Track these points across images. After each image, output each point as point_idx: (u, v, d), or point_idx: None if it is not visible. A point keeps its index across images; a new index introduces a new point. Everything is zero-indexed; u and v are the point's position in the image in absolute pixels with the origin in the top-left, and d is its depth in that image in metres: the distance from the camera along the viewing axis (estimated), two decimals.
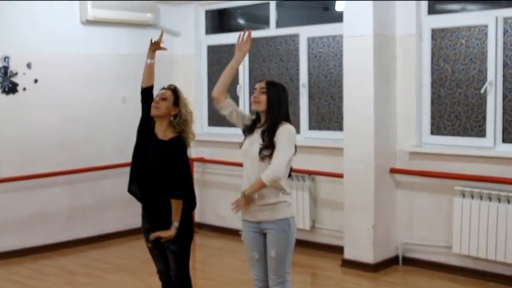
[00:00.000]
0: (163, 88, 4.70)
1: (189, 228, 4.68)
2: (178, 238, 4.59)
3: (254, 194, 4.28)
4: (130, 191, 4.77)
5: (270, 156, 4.24)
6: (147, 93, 4.79)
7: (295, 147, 4.40)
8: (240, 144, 4.48)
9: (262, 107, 4.34)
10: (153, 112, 4.60)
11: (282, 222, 4.33)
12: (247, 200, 4.31)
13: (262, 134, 4.32)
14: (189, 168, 4.69)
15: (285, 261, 4.37)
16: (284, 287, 4.39)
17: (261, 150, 4.26)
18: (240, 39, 4.52)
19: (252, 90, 8.23)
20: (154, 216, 4.61)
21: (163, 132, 4.61)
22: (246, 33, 4.53)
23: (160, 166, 4.51)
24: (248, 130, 4.46)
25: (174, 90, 4.66)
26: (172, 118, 4.63)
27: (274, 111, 4.32)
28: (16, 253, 7.50)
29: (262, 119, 4.39)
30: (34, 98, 7.63)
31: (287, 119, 4.39)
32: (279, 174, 4.22)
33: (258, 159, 4.27)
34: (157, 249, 4.71)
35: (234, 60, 4.56)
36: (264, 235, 4.38)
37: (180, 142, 4.59)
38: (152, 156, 4.56)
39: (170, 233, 4.49)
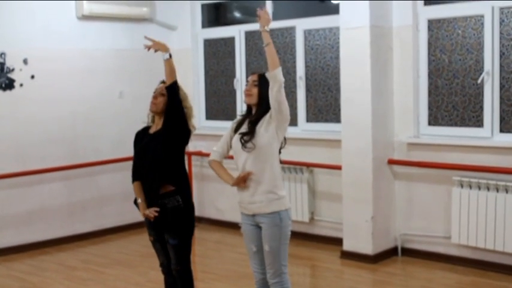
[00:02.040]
0: (163, 82, 4.67)
1: (189, 222, 4.69)
2: (178, 232, 4.60)
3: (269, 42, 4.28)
4: (135, 203, 4.79)
5: (250, 140, 4.26)
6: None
7: (284, 138, 4.41)
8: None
9: (254, 100, 4.36)
10: (152, 109, 4.62)
11: (273, 215, 4.30)
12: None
13: (249, 123, 4.35)
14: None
15: (279, 254, 4.34)
16: (281, 279, 4.36)
17: (242, 136, 4.29)
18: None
19: None
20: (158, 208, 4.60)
21: (156, 126, 4.67)
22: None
23: (162, 149, 4.55)
24: (239, 125, 4.46)
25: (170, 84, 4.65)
26: None
27: (263, 104, 4.31)
28: (15, 249, 7.50)
29: (254, 111, 4.40)
30: (31, 93, 7.62)
31: None
32: (280, 75, 4.18)
33: (244, 151, 4.30)
34: (160, 243, 4.72)
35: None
36: (260, 228, 4.38)
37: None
38: (153, 147, 4.57)
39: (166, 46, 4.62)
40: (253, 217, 4.38)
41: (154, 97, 4.61)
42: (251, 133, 4.27)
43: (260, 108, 4.34)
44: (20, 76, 7.54)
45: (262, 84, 4.33)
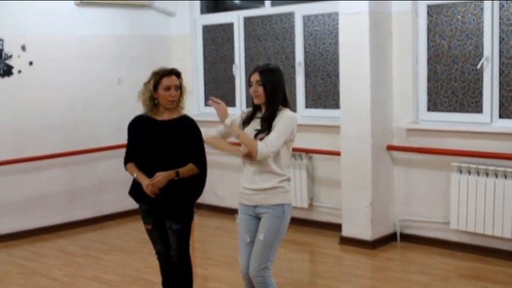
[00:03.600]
0: (171, 72, 4.61)
1: (190, 207, 4.70)
2: (181, 217, 4.61)
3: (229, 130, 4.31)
4: (130, 193, 4.77)
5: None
6: None
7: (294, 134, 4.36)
8: None
9: (263, 99, 4.28)
10: (173, 105, 4.61)
11: (277, 207, 4.28)
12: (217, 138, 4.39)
13: (262, 121, 4.28)
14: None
15: (271, 247, 4.27)
16: (264, 274, 4.25)
17: (256, 134, 4.24)
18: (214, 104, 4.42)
19: (248, 69, 8.27)
20: (158, 197, 4.57)
21: (168, 113, 4.63)
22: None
23: (177, 143, 4.55)
24: (247, 121, 4.40)
25: (179, 75, 4.65)
26: None
27: (273, 100, 4.27)
28: (15, 235, 7.52)
29: (263, 109, 4.33)
30: (29, 80, 7.61)
31: (285, 101, 4.35)
32: (270, 147, 4.13)
33: None
34: (158, 230, 4.71)
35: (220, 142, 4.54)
36: (259, 219, 4.35)
37: (191, 119, 4.73)
38: (164, 136, 4.55)
39: (172, 174, 4.50)
40: (255, 208, 4.33)
41: (173, 95, 4.57)
42: (267, 131, 4.21)
43: (270, 104, 4.28)
44: (18, 63, 7.52)
45: (266, 80, 4.27)
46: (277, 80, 4.33)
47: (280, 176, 4.30)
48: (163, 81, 4.56)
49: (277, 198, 4.29)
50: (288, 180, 4.36)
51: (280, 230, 4.30)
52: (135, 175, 4.65)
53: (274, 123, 4.23)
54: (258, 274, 4.25)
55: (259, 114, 4.37)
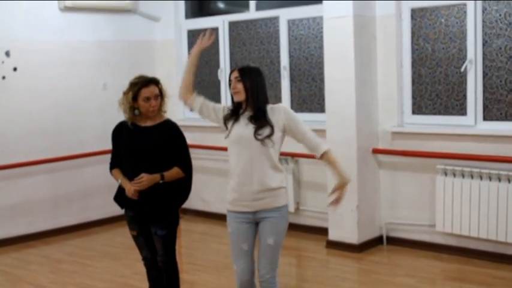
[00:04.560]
0: (149, 82, 4.60)
1: (175, 213, 4.70)
2: (166, 223, 4.61)
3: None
4: (115, 199, 4.76)
5: (269, 136, 4.16)
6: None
7: None
8: (226, 134, 4.30)
9: (242, 95, 4.22)
10: (154, 114, 4.60)
11: (282, 209, 4.25)
12: (341, 185, 4.28)
13: (250, 120, 4.20)
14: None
15: (279, 248, 4.28)
16: (275, 277, 4.30)
17: (255, 132, 4.14)
18: (203, 37, 4.53)
19: None
20: (142, 203, 4.57)
21: (151, 119, 4.62)
22: (209, 33, 4.54)
23: (162, 147, 4.54)
24: (230, 119, 4.30)
25: (158, 83, 4.65)
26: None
27: (254, 96, 4.22)
28: (0, 243, 7.47)
29: (244, 105, 4.26)
30: (14, 86, 7.57)
31: (267, 101, 4.30)
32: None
33: (256, 142, 4.14)
34: (143, 236, 4.71)
35: (192, 56, 4.57)
36: (256, 224, 4.28)
37: (174, 124, 4.72)
38: (148, 142, 4.54)
39: (156, 177, 4.50)
40: (254, 214, 4.23)
41: (153, 105, 4.56)
42: (267, 126, 4.17)
43: (252, 102, 4.22)
44: (3, 68, 7.49)
45: (244, 77, 4.24)
46: (257, 78, 4.29)
47: (281, 173, 4.30)
48: (142, 92, 4.54)
49: (281, 199, 4.25)
50: (284, 175, 4.36)
51: (286, 229, 4.32)
52: (119, 181, 4.64)
53: (274, 119, 4.19)
54: (272, 277, 4.28)
55: (246, 114, 4.26)
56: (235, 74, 4.29)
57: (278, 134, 4.22)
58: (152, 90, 4.56)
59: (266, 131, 4.16)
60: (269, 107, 4.27)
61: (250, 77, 4.25)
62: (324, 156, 4.30)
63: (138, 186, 4.49)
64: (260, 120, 4.19)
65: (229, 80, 4.33)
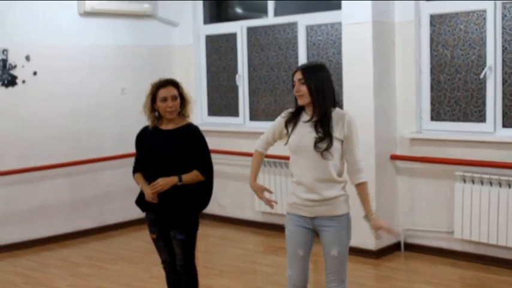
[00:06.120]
0: (167, 83, 4.61)
1: (195, 217, 4.70)
2: (185, 227, 4.61)
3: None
4: (137, 202, 4.78)
5: (328, 149, 3.95)
6: None
7: None
8: (286, 140, 4.13)
9: (307, 99, 3.98)
10: (172, 115, 4.60)
11: (342, 217, 4.07)
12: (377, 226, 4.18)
13: (315, 126, 3.98)
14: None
15: (346, 259, 4.14)
16: (344, 286, 4.19)
17: (316, 143, 3.95)
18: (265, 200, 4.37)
19: (251, 79, 8.30)
20: (162, 206, 4.59)
21: (173, 122, 4.64)
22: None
23: (182, 151, 4.54)
24: (291, 122, 4.11)
25: (177, 85, 4.65)
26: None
27: (320, 100, 3.97)
28: (19, 245, 7.53)
29: (309, 110, 4.04)
30: (33, 90, 7.64)
31: (335, 101, 4.07)
32: (364, 169, 4.09)
33: (315, 153, 3.96)
34: (163, 240, 4.72)
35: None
36: (315, 232, 4.15)
37: (196, 127, 4.70)
38: (168, 145, 4.56)
39: (174, 179, 4.50)
40: (313, 220, 4.09)
41: (170, 106, 4.56)
42: (328, 138, 3.96)
43: (318, 106, 3.98)
44: (22, 73, 7.55)
45: (309, 78, 3.98)
46: (322, 78, 4.01)
47: (340, 183, 4.08)
48: (160, 93, 4.56)
49: (340, 208, 4.07)
50: (346, 183, 4.13)
51: (349, 239, 4.17)
52: (140, 185, 4.67)
53: (337, 129, 3.99)
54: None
55: (305, 118, 4.07)
56: (299, 75, 4.02)
57: (337, 145, 4.02)
58: (169, 90, 4.58)
59: (325, 144, 3.95)
60: (336, 112, 4.04)
61: (315, 78, 3.99)
62: (359, 186, 4.12)
63: (155, 189, 4.51)
64: (323, 128, 3.96)
65: (293, 82, 4.08)
